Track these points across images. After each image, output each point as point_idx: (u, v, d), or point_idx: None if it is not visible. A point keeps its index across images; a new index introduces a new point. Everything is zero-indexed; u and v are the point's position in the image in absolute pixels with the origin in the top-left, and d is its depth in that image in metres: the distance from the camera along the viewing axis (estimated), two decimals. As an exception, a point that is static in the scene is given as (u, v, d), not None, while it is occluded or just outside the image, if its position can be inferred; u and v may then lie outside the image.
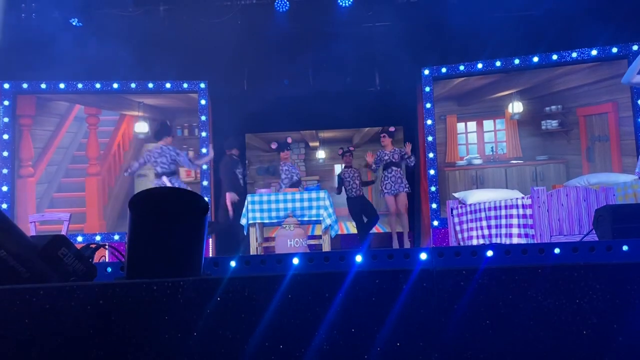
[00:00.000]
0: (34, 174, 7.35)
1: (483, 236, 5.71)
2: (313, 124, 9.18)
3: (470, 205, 5.96)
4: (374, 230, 8.23)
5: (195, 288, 1.35)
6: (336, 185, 8.13)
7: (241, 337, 1.34)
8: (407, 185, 7.52)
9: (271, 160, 9.39)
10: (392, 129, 7.79)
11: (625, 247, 2.67)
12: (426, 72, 7.56)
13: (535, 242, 4.95)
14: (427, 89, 7.58)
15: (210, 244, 7.29)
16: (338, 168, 8.84)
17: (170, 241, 1.64)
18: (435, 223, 7.31)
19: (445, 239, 6.94)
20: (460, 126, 7.64)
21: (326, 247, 5.79)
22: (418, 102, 7.93)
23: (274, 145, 7.76)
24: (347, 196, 7.92)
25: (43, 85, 7.36)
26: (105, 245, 2.01)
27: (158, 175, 6.57)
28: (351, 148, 8.41)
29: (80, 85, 7.44)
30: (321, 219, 5.84)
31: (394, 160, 7.48)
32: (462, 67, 7.46)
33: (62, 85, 7.40)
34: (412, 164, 7.62)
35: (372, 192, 9.02)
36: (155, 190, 1.78)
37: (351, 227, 8.67)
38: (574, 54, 7.03)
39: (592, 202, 4.96)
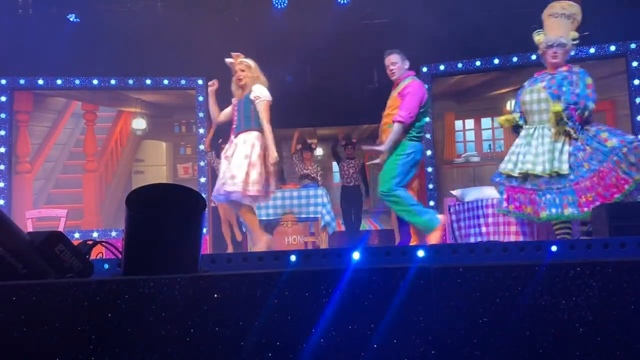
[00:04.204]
0: (31, 170, 7.33)
1: (481, 234, 5.71)
2: (311, 121, 9.15)
3: (467, 202, 5.96)
4: (371, 227, 8.21)
5: (192, 285, 1.35)
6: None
7: (238, 334, 1.35)
8: None
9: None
10: None
11: (622, 245, 2.68)
12: (424, 69, 7.54)
13: (533, 239, 4.95)
14: (426, 86, 7.55)
15: (207, 240, 7.28)
16: (336, 166, 8.77)
17: (167, 238, 1.64)
18: (433, 220, 7.30)
19: (442, 236, 6.93)
20: (458, 123, 7.64)
21: (323, 245, 5.79)
22: (416, 100, 7.91)
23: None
24: (342, 185, 7.88)
25: (40, 81, 7.33)
26: (103, 241, 2.01)
27: None
28: (353, 140, 8.30)
29: (77, 82, 7.41)
30: (319, 216, 5.84)
31: None
32: (460, 65, 7.45)
33: (59, 81, 7.36)
34: None
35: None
36: (153, 187, 1.77)
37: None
38: (572, 52, 7.00)
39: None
